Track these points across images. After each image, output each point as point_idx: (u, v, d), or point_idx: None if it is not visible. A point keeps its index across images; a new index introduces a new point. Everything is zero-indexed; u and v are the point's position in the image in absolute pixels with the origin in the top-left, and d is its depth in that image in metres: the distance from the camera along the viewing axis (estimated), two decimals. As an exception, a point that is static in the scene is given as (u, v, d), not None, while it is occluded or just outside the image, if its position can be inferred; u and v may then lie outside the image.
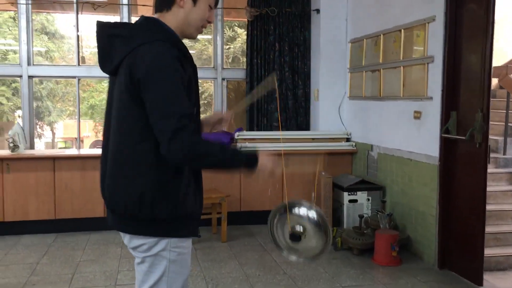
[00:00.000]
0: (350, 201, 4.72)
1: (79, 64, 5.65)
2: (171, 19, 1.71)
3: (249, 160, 1.67)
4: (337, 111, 5.66)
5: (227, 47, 6.67)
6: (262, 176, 1.65)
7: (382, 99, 4.79)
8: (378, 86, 4.85)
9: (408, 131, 4.35)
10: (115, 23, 1.75)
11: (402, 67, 4.41)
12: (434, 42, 3.95)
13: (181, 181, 1.67)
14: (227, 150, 1.64)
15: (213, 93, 6.19)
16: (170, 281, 1.72)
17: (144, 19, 1.73)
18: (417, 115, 4.18)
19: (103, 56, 1.73)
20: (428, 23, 4.02)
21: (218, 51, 5.98)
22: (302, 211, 1.94)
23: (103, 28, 1.73)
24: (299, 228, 1.90)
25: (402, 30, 4.40)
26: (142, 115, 1.60)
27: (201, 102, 1.76)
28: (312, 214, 1.93)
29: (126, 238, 1.76)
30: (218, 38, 5.97)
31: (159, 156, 1.59)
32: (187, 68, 1.65)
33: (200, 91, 1.85)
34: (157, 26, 1.70)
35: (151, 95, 1.57)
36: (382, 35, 4.77)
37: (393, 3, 4.58)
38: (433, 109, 3.97)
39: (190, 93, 1.65)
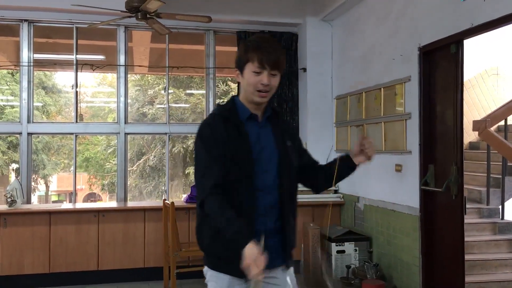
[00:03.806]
0: (338, 251, 4.84)
1: (77, 121, 5.90)
2: (241, 91, 2.17)
3: (239, 241, 1.85)
4: (325, 163, 5.86)
5: (221, 100, 6.96)
6: (243, 263, 1.81)
7: (366, 153, 5.01)
8: (362, 140, 5.09)
9: (390, 183, 4.55)
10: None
11: (383, 123, 4.68)
12: (411, 100, 4.23)
13: (211, 228, 2.06)
14: (231, 224, 1.90)
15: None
16: None
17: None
18: (398, 168, 4.40)
19: None
20: (404, 82, 4.32)
21: (210, 106, 6.28)
22: None
23: None
24: None
25: (382, 89, 4.70)
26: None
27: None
28: None
29: None
30: (210, 93, 6.28)
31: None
32: (220, 129, 2.02)
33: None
34: (227, 101, 2.17)
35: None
36: (364, 92, 5.07)
37: (374, 63, 4.91)
38: (413, 162, 4.19)
39: (223, 148, 2.00)
